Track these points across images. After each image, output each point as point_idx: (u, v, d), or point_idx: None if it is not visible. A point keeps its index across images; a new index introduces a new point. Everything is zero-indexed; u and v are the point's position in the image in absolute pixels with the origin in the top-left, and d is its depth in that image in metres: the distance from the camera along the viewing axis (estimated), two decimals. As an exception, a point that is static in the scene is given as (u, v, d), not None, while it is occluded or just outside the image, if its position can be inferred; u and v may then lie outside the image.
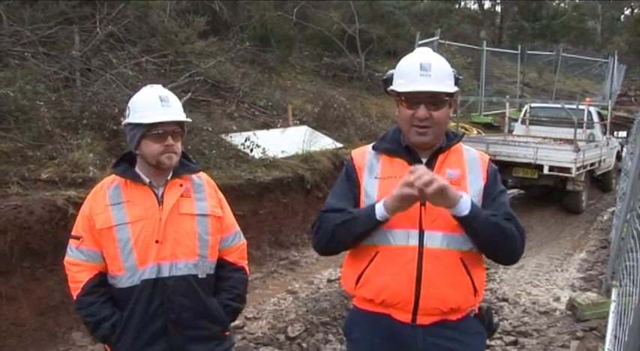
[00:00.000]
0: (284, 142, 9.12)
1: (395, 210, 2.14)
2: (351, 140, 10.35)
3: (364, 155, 2.38)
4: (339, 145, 10.01)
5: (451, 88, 2.21)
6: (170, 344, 2.48)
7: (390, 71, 2.36)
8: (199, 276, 2.52)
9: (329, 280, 6.83)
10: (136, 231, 2.43)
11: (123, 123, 2.55)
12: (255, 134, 8.65)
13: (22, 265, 4.93)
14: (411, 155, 2.30)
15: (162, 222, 2.45)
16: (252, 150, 8.27)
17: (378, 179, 2.29)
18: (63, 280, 5.19)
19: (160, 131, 2.42)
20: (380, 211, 2.16)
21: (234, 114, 9.98)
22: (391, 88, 2.27)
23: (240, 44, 12.35)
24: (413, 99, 2.19)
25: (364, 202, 2.29)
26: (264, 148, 8.36)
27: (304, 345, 5.09)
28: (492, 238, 2.20)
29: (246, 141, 8.33)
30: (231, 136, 8.52)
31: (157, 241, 2.44)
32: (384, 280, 2.23)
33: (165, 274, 2.45)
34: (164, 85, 2.65)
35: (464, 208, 2.12)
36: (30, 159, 5.81)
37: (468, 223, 2.15)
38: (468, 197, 2.15)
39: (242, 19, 13.59)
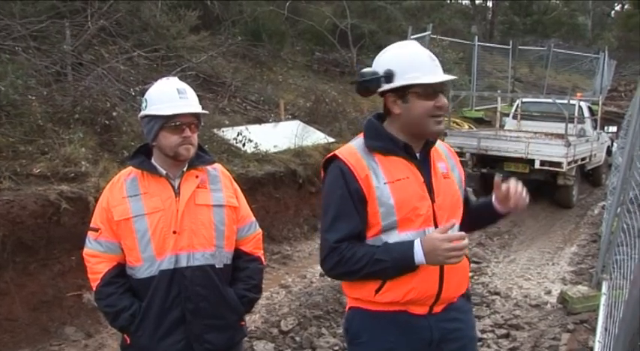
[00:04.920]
0: (276, 136, 9.11)
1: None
2: (343, 135, 10.32)
3: (360, 160, 2.23)
4: (331, 139, 10.00)
5: None
6: (187, 333, 2.50)
7: (371, 69, 2.34)
8: (216, 266, 2.55)
9: (321, 275, 6.83)
10: (154, 222, 2.45)
11: (139, 115, 2.57)
12: (247, 129, 8.63)
13: (15, 260, 4.92)
14: (407, 152, 2.26)
15: (179, 213, 2.48)
16: (244, 144, 8.26)
17: (388, 184, 2.19)
18: (56, 275, 5.21)
19: (177, 123, 2.46)
20: (419, 259, 2.12)
21: (226, 109, 9.95)
22: (411, 82, 2.18)
23: (231, 39, 12.32)
24: (434, 89, 2.20)
25: (380, 212, 2.18)
26: (256, 143, 8.36)
27: (297, 338, 5.11)
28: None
29: (238, 135, 8.32)
30: (223, 131, 8.51)
31: (174, 232, 2.46)
32: (411, 283, 2.20)
33: (183, 264, 2.48)
34: (155, 80, 2.66)
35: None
36: (22, 154, 5.79)
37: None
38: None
39: (234, 14, 13.54)
